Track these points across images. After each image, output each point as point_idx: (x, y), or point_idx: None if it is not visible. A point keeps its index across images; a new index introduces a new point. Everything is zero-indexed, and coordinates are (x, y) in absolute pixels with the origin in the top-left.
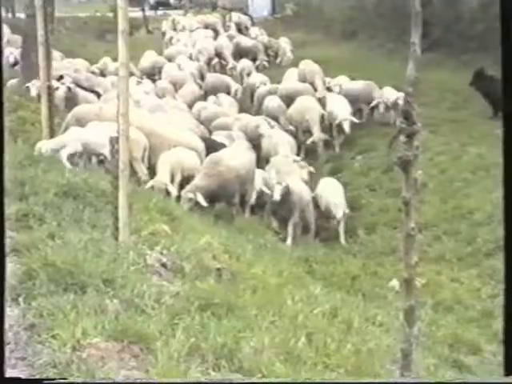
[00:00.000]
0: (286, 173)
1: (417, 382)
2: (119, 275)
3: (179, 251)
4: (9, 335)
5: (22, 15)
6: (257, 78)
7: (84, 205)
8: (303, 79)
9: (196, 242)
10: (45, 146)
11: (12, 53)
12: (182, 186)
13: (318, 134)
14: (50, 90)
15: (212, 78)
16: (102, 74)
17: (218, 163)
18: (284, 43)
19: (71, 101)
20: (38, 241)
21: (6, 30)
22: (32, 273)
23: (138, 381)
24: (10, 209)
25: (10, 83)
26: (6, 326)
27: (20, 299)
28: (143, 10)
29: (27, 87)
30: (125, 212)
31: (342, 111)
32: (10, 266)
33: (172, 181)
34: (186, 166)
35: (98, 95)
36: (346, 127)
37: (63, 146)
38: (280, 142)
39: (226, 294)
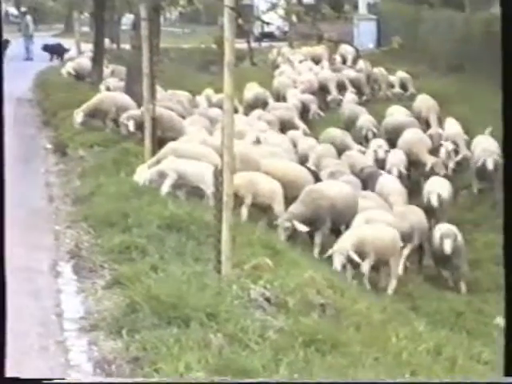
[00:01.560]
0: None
1: (417, 382)
2: (223, 309)
3: (283, 285)
4: (112, 368)
5: (126, 46)
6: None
7: (187, 237)
8: (418, 114)
9: (299, 277)
10: (142, 175)
11: (114, 85)
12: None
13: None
14: (154, 122)
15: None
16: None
17: (314, 191)
18: (394, 77)
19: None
20: (141, 273)
21: (111, 61)
22: (135, 306)
23: (138, 381)
24: (113, 241)
25: None
26: (110, 357)
27: (123, 332)
28: (248, 41)
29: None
30: (228, 245)
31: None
32: (113, 298)
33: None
34: (261, 192)
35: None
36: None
37: (161, 177)
38: (391, 189)
39: (330, 330)
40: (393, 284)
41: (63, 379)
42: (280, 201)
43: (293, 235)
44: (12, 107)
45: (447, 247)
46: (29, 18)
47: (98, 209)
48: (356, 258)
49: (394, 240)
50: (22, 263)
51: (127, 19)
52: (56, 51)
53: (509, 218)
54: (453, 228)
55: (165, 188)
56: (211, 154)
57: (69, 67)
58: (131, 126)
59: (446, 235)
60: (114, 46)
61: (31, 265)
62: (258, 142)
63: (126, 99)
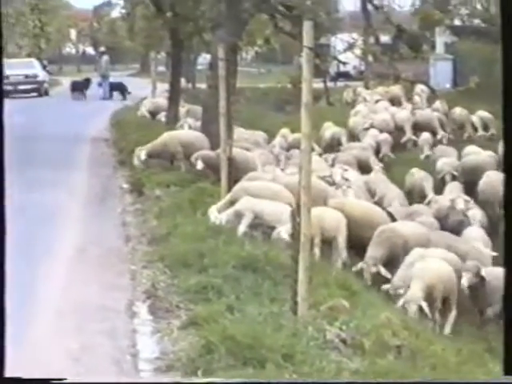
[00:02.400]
0: None
1: (417, 382)
2: (298, 350)
3: (359, 327)
4: None
5: (202, 86)
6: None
7: (263, 278)
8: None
9: (375, 318)
10: (218, 215)
11: (191, 124)
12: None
13: None
14: (230, 162)
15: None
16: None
17: (387, 230)
18: (476, 117)
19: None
20: (217, 314)
21: (187, 101)
22: (211, 346)
23: (138, 381)
24: (189, 281)
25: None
26: None
27: (199, 373)
28: (324, 81)
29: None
30: (304, 286)
31: None
32: (189, 338)
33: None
34: (328, 227)
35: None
36: None
37: (238, 217)
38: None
39: (406, 372)
40: (450, 322)
41: (65, 379)
42: (344, 232)
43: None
44: (88, 147)
45: None
46: (105, 57)
47: (175, 249)
48: (427, 310)
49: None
50: (98, 302)
51: (203, 59)
52: (119, 88)
53: (509, 218)
54: None
55: (241, 228)
56: (284, 192)
57: (145, 107)
58: (199, 165)
59: None
60: (190, 85)
61: (107, 304)
62: (333, 180)
63: (191, 138)
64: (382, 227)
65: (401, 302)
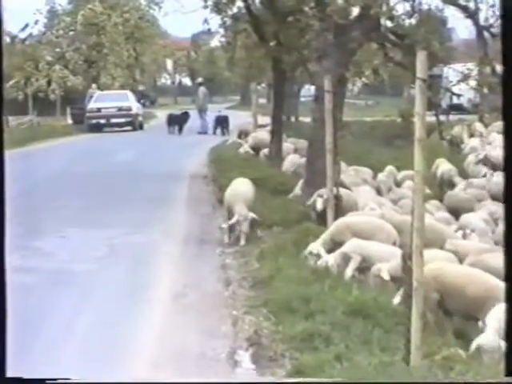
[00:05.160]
0: None
1: (417, 382)
2: None
3: (475, 377)
4: None
5: (305, 119)
6: None
7: (373, 325)
8: None
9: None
10: (319, 249)
11: (294, 161)
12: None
13: None
14: (338, 201)
15: None
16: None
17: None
18: None
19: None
20: (325, 363)
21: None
22: None
23: (138, 381)
24: (295, 328)
25: (294, 194)
26: None
27: None
28: (436, 114)
29: (314, 200)
30: (418, 334)
31: None
32: None
33: None
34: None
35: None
36: None
37: (344, 259)
38: None
39: None
40: None
41: (67, 379)
42: None
43: None
44: (186, 184)
45: None
46: (203, 89)
47: (278, 293)
48: None
49: None
50: (198, 350)
51: (307, 90)
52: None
53: (509, 219)
54: None
55: (349, 271)
56: (387, 227)
57: (246, 142)
58: (319, 205)
59: None
60: (293, 118)
61: (207, 352)
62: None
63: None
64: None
65: None
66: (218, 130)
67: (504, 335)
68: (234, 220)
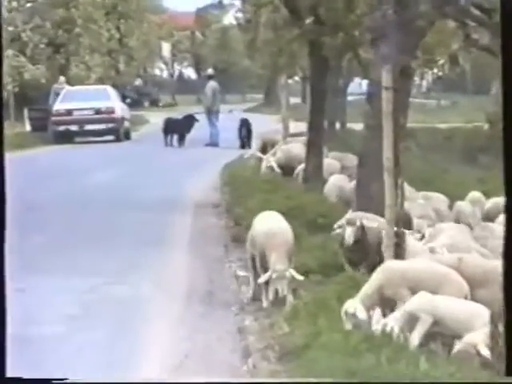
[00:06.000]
0: None
1: (418, 382)
2: None
3: None
4: None
5: (355, 126)
6: None
7: None
8: None
9: None
10: (361, 310)
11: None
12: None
13: None
14: (400, 241)
15: None
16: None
17: None
18: None
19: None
20: None
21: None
22: None
23: (138, 381)
24: None
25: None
26: None
27: None
28: None
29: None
30: None
31: None
32: None
33: None
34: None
35: None
36: None
37: (410, 321)
38: None
39: None
40: None
41: (66, 379)
42: None
43: None
44: (189, 216)
45: None
46: (213, 83)
47: (316, 368)
48: None
49: None
50: None
51: (357, 86)
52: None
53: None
54: None
55: (415, 338)
56: (453, 277)
57: (273, 156)
58: (349, 237)
59: None
60: (338, 125)
61: None
62: None
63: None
64: None
65: None
66: (226, 139)
67: (504, 335)
68: (266, 277)
